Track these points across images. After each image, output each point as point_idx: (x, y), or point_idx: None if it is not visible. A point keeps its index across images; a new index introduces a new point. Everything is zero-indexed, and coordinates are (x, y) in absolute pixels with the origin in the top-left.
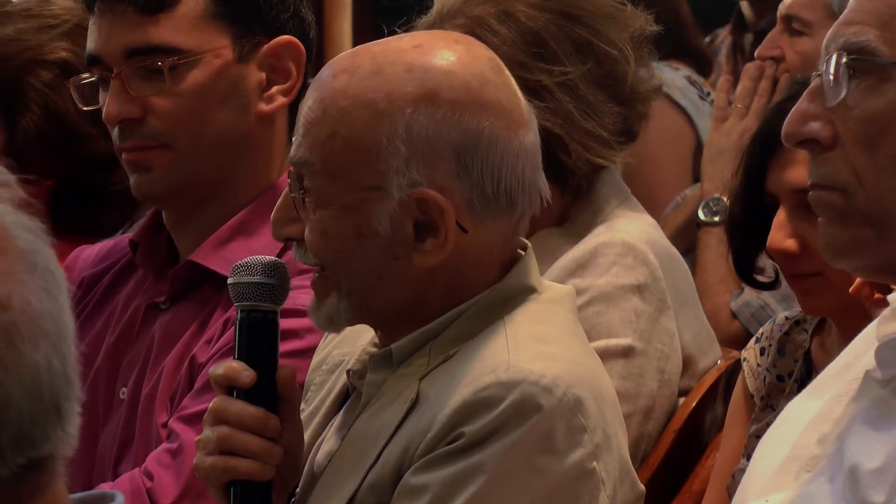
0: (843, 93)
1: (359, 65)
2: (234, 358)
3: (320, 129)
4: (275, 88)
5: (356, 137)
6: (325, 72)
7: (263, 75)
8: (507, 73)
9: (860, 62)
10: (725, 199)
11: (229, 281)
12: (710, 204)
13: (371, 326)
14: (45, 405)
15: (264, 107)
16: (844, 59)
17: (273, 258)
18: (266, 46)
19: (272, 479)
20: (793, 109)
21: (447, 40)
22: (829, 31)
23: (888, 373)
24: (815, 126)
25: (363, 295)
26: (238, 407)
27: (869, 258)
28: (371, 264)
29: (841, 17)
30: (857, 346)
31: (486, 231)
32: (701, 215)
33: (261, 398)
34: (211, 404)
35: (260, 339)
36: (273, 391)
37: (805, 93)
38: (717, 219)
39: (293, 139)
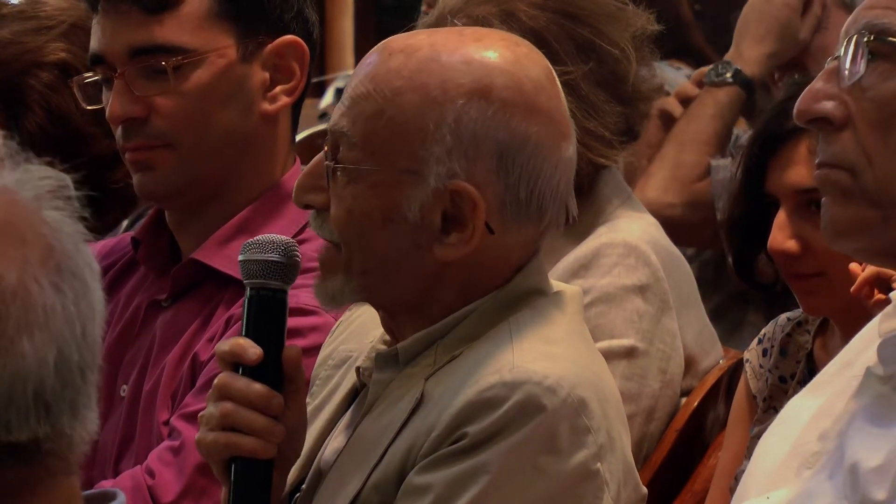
0: (860, 73)
1: (417, 48)
2: (241, 335)
3: (367, 105)
4: (278, 88)
5: (403, 119)
6: (377, 51)
7: (267, 75)
8: (559, 85)
9: (881, 43)
10: (737, 65)
11: (240, 258)
12: (718, 67)
13: (374, 308)
14: (27, 394)
15: (268, 106)
16: (865, 39)
17: (285, 238)
18: (270, 46)
19: (273, 458)
20: (807, 88)
21: (508, 41)
22: (850, 17)
23: (890, 369)
24: (828, 105)
25: (376, 278)
26: (243, 383)
27: (871, 240)
28: (392, 248)
29: (863, 2)
30: (858, 343)
31: (510, 235)
32: (707, 78)
33: (266, 376)
34: (216, 380)
35: (268, 317)
36: (278, 370)
37: (820, 73)
38: (722, 79)
39: (335, 108)
